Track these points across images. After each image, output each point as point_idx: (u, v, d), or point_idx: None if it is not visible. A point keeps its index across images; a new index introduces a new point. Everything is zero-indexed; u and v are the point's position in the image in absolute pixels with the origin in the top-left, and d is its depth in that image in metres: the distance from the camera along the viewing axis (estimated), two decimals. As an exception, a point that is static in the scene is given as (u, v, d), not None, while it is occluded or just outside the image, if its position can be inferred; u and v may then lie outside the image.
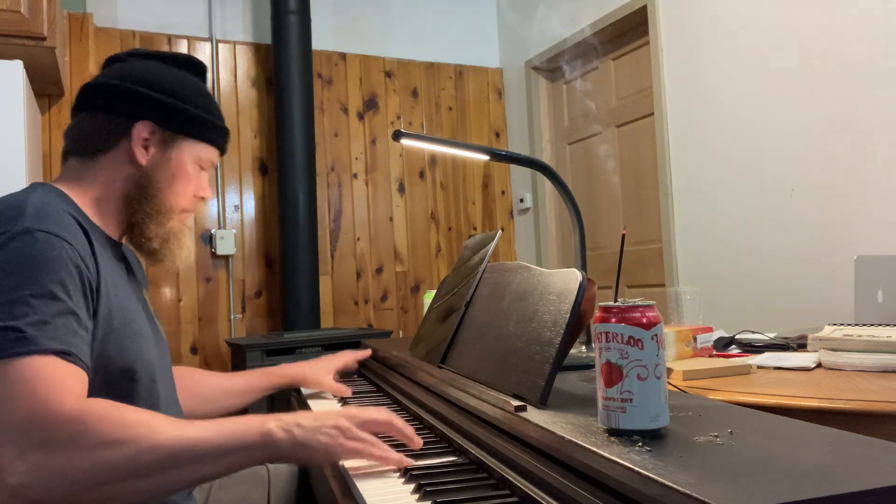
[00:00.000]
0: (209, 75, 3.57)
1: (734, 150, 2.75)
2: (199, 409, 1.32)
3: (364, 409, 0.95)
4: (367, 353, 1.65)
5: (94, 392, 0.89)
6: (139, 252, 1.13)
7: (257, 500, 1.26)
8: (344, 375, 1.72)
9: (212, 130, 1.15)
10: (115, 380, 0.95)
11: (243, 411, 1.07)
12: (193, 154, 1.13)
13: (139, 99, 1.07)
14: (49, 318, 0.84)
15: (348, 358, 1.60)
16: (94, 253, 0.95)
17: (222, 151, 1.20)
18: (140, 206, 1.08)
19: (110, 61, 1.15)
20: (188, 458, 0.82)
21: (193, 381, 1.34)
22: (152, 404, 1.01)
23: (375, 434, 0.93)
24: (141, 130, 1.07)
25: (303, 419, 0.89)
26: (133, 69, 1.10)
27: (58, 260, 0.87)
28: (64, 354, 0.83)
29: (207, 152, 1.15)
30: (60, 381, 0.81)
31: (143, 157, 1.07)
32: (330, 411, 0.94)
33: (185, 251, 1.14)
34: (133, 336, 0.99)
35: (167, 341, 1.19)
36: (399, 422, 0.96)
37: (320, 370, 1.49)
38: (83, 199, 1.05)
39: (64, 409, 0.78)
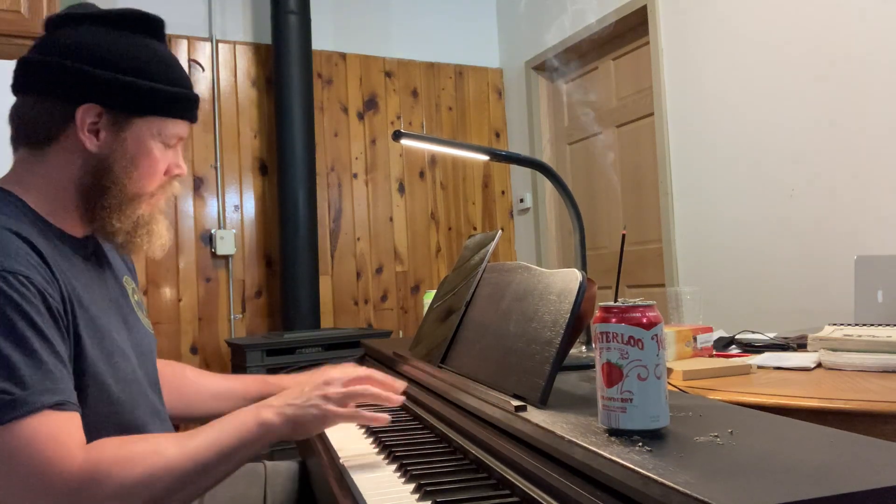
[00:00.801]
0: (208, 74, 3.57)
1: (734, 150, 2.75)
2: (182, 410, 1.24)
3: (343, 371, 0.98)
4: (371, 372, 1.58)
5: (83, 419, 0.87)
6: (110, 245, 1.04)
7: (254, 498, 1.26)
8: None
9: (170, 102, 0.99)
10: (94, 406, 0.90)
11: None
12: (153, 131, 0.98)
13: (78, 78, 0.93)
14: (33, 370, 0.79)
15: (349, 374, 1.51)
16: (54, 274, 0.87)
17: (192, 120, 1.04)
18: (97, 198, 0.96)
19: (47, 26, 0.99)
20: (201, 470, 0.84)
21: (183, 380, 1.28)
22: (136, 424, 0.97)
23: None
24: (85, 114, 0.94)
25: (291, 398, 0.91)
26: (69, 41, 0.95)
27: (22, 300, 0.80)
28: (58, 406, 0.80)
29: (172, 126, 1.00)
30: (62, 436, 0.79)
31: (92, 144, 0.94)
32: (312, 381, 0.96)
33: (159, 240, 1.03)
34: (106, 358, 0.93)
35: (155, 336, 1.13)
36: (378, 374, 0.98)
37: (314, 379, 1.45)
38: (37, 198, 0.95)
39: (74, 466, 0.78)
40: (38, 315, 0.82)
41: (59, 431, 0.79)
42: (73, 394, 0.84)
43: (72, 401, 0.83)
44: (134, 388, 0.98)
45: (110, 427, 0.93)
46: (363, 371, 0.97)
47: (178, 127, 1.02)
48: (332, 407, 0.91)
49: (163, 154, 1.00)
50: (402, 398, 0.96)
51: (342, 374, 0.96)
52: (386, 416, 0.92)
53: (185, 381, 1.28)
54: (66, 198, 0.96)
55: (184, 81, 1.02)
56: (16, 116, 0.97)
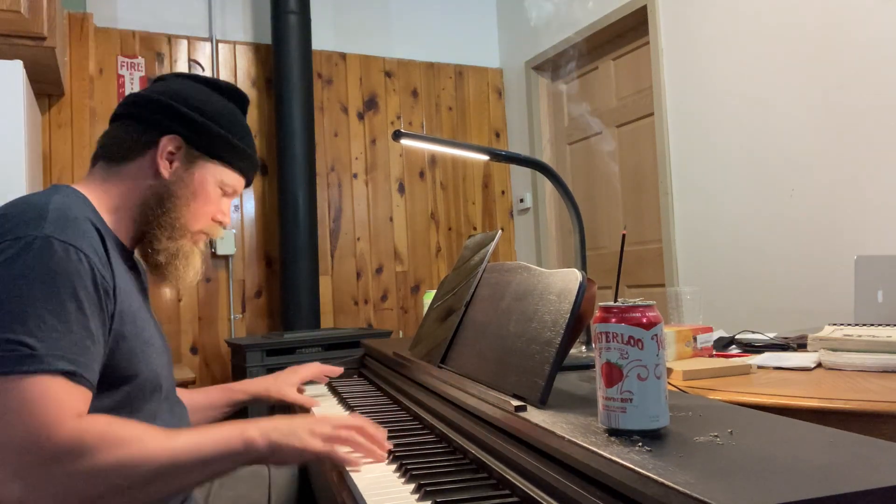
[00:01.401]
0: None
1: (734, 150, 2.76)
2: None
3: (339, 416, 1.01)
4: (337, 370, 1.57)
5: (100, 398, 0.91)
6: (145, 263, 1.13)
7: (258, 500, 1.26)
8: (344, 376, 1.72)
9: (240, 157, 1.15)
10: (121, 386, 0.96)
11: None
12: (217, 177, 1.13)
13: (171, 112, 1.08)
14: (61, 334, 0.84)
15: (315, 371, 1.52)
16: (109, 260, 0.95)
17: (248, 182, 1.20)
18: (155, 217, 1.08)
19: (158, 79, 1.17)
20: (177, 469, 0.86)
21: None
22: (153, 413, 1.02)
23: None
24: (167, 143, 1.08)
25: (280, 424, 0.94)
26: (173, 85, 1.12)
27: (75, 273, 0.88)
28: (70, 375, 0.84)
29: (232, 178, 1.15)
30: (63, 401, 0.82)
31: (165, 170, 1.08)
32: (306, 416, 1.01)
33: (193, 272, 1.13)
34: (143, 346, 0.99)
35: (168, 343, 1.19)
36: (371, 427, 0.98)
37: (283, 383, 1.44)
38: (102, 204, 1.05)
39: (62, 431, 0.80)
40: (83, 290, 0.88)
41: (63, 397, 0.82)
42: (94, 373, 0.88)
43: (87, 377, 0.86)
44: (162, 381, 1.05)
45: (134, 411, 0.97)
46: (358, 420, 0.99)
47: (236, 180, 1.16)
48: (313, 442, 0.93)
49: (217, 199, 1.14)
50: (384, 455, 0.97)
51: (335, 420, 0.98)
52: (359, 462, 0.93)
53: None
54: (127, 209, 1.08)
55: (253, 146, 1.19)
56: (107, 136, 1.11)
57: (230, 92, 1.18)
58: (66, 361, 0.83)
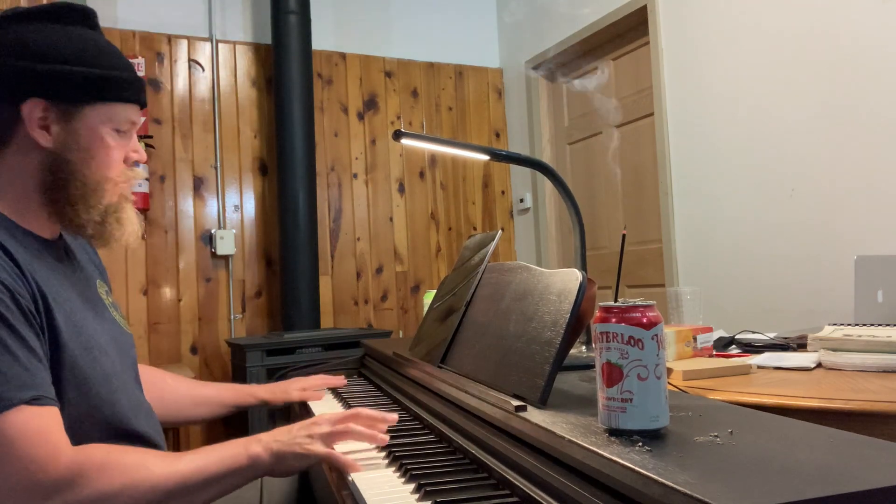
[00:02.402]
0: (208, 74, 3.57)
1: (734, 150, 2.76)
2: (164, 416, 1.22)
3: (335, 412, 1.00)
4: (341, 381, 1.57)
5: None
6: (83, 240, 1.05)
7: (250, 500, 1.26)
8: (344, 375, 1.72)
9: (116, 87, 0.98)
10: (73, 399, 0.91)
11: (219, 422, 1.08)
12: (104, 118, 0.98)
13: (18, 75, 0.92)
14: (6, 366, 0.80)
15: (316, 383, 1.49)
16: (22, 272, 0.88)
17: (142, 105, 1.03)
18: (60, 193, 0.96)
19: None
20: (184, 492, 0.85)
21: (163, 386, 1.28)
22: (118, 416, 0.97)
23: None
24: (31, 111, 0.93)
25: (279, 434, 0.94)
26: (6, 40, 0.94)
27: None
28: (34, 400, 0.80)
29: (122, 111, 1.00)
30: (44, 433, 0.79)
31: (45, 140, 0.95)
32: (303, 421, 0.99)
33: (130, 226, 1.03)
34: (84, 351, 0.93)
35: (133, 336, 1.13)
36: (366, 410, 0.99)
37: (287, 389, 1.44)
38: (2, 202, 0.95)
39: (60, 466, 0.79)
40: (8, 312, 0.82)
41: (42, 428, 0.80)
42: (50, 388, 0.85)
43: (48, 395, 0.83)
44: (115, 383, 0.98)
45: (93, 421, 0.93)
46: (351, 410, 0.99)
47: (127, 111, 1.01)
48: (313, 446, 0.93)
49: (117, 141, 1.00)
50: (387, 438, 0.97)
51: (331, 415, 0.98)
52: (358, 466, 0.93)
53: (165, 386, 1.30)
54: (29, 199, 0.96)
55: (125, 65, 1.01)
56: None
57: (67, 13, 0.98)
58: (24, 389, 0.80)
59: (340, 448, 0.97)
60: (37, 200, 0.97)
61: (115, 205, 1.01)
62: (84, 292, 1.03)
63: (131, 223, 1.03)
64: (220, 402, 1.34)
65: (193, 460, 0.87)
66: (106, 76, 0.97)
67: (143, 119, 1.08)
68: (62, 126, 0.95)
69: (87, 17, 1.01)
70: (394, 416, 1.02)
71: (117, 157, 1.00)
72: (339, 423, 0.97)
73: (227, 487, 0.90)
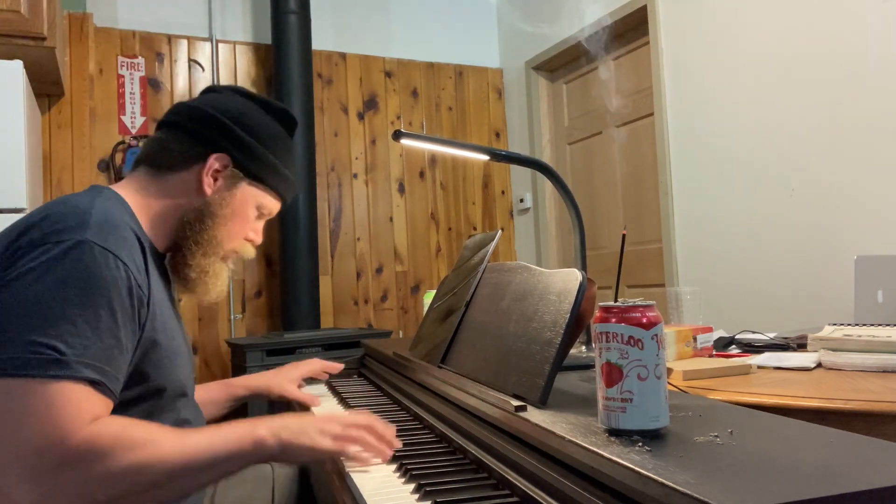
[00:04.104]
0: (208, 74, 3.57)
1: (734, 149, 2.76)
2: None
3: (347, 415, 1.01)
4: (338, 366, 1.58)
5: (125, 406, 0.91)
6: (175, 275, 1.13)
7: (262, 500, 1.26)
8: (343, 375, 1.72)
9: (282, 182, 1.16)
10: (148, 395, 0.96)
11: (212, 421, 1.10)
12: (257, 199, 1.14)
13: (224, 130, 1.09)
14: (91, 342, 0.84)
15: (315, 366, 1.55)
16: (147, 269, 0.96)
17: (285, 204, 1.21)
18: (192, 232, 1.08)
19: (209, 91, 1.18)
20: (190, 469, 0.86)
21: None
22: (180, 420, 1.03)
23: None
24: (215, 161, 1.09)
25: (290, 423, 0.95)
26: (226, 102, 1.12)
27: (112, 281, 0.88)
28: (95, 384, 0.84)
29: (271, 202, 1.17)
30: (83, 408, 0.82)
31: (209, 187, 1.09)
32: (317, 415, 1.00)
33: (220, 289, 1.14)
34: (172, 355, 1.00)
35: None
36: (380, 425, 0.98)
37: (283, 379, 1.45)
38: (142, 210, 1.06)
39: (76, 436, 0.80)
40: (118, 299, 0.88)
41: (83, 405, 0.82)
42: (118, 383, 0.89)
43: (111, 387, 0.87)
44: (188, 390, 1.06)
45: (156, 419, 0.97)
46: (367, 419, 0.99)
47: (274, 204, 1.18)
48: (323, 442, 0.93)
49: (253, 220, 1.16)
50: (390, 454, 0.98)
51: (343, 416, 0.99)
52: (369, 461, 0.94)
53: None
54: (165, 219, 1.08)
55: (295, 172, 1.20)
56: (154, 142, 1.11)
57: (281, 114, 1.18)
58: (92, 370, 0.84)
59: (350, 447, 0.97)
60: (169, 224, 1.09)
61: (219, 267, 1.13)
62: (172, 306, 1.11)
63: (223, 285, 1.15)
64: (210, 400, 1.35)
65: (201, 440, 0.88)
66: (281, 171, 1.15)
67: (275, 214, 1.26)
68: (227, 185, 1.11)
69: (292, 125, 1.21)
70: (399, 443, 1.01)
71: (245, 231, 1.15)
72: (352, 428, 0.96)
73: (231, 469, 0.91)
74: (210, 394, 1.36)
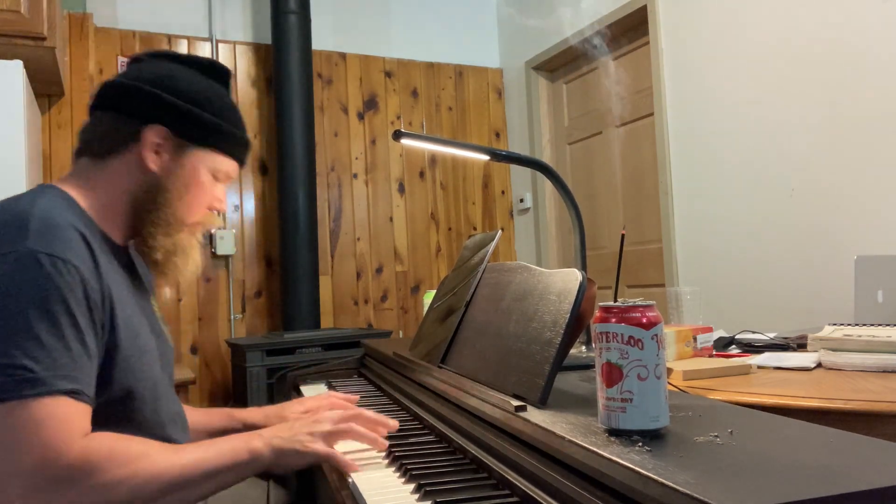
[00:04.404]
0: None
1: (734, 150, 2.75)
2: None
3: (336, 411, 1.00)
4: (353, 398, 1.52)
5: (97, 412, 0.89)
6: (144, 262, 1.09)
7: (257, 500, 1.26)
8: (343, 375, 1.72)
9: (231, 141, 1.09)
10: (118, 399, 0.93)
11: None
12: (209, 164, 1.07)
13: (153, 101, 1.02)
14: (59, 353, 0.82)
15: (323, 403, 1.34)
16: (98, 269, 0.91)
17: (241, 164, 1.14)
18: (148, 214, 1.03)
19: (133, 61, 1.10)
20: (185, 483, 0.86)
21: None
22: (156, 422, 0.99)
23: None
24: (152, 135, 1.02)
25: (281, 431, 0.95)
26: (151, 70, 1.05)
27: (65, 287, 0.85)
28: (73, 393, 0.83)
29: (225, 164, 1.09)
30: (69, 422, 0.81)
31: (153, 163, 1.02)
32: (305, 418, 1.00)
33: (192, 265, 1.09)
34: (138, 354, 0.96)
35: (174, 349, 1.17)
36: (368, 413, 0.99)
37: (285, 412, 1.33)
38: (90, 203, 1.01)
39: (71, 453, 0.80)
40: (76, 303, 0.85)
41: (69, 417, 0.81)
42: (92, 387, 0.87)
43: (88, 392, 0.85)
44: (159, 390, 1.02)
45: (133, 423, 0.95)
46: (352, 411, 1.00)
47: (229, 165, 1.10)
48: (314, 445, 0.93)
49: (211, 187, 1.09)
50: (386, 443, 0.98)
51: (332, 413, 0.99)
52: (356, 466, 0.93)
53: None
54: (116, 206, 1.03)
55: (243, 126, 1.12)
56: (87, 131, 1.05)
57: (211, 69, 1.10)
58: (67, 380, 0.82)
59: (340, 447, 0.97)
60: (122, 210, 1.03)
61: (186, 242, 1.07)
62: (140, 301, 1.07)
63: (195, 262, 1.10)
64: (207, 429, 1.28)
65: (195, 453, 0.88)
66: (223, 128, 1.07)
67: (234, 177, 1.18)
68: (172, 157, 1.04)
69: (225, 77, 1.13)
70: (395, 423, 1.03)
71: (205, 200, 1.09)
72: (341, 421, 0.97)
73: (227, 481, 0.91)
74: (210, 421, 1.28)
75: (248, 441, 0.92)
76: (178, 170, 1.04)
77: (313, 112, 3.54)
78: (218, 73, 1.11)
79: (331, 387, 1.64)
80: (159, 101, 1.02)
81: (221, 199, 1.12)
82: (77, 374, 0.84)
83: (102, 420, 0.88)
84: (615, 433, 0.70)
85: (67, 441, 0.80)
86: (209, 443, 0.91)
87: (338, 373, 1.80)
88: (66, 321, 0.84)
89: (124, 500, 0.82)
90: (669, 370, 1.33)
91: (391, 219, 3.99)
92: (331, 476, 0.96)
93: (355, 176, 3.92)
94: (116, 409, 0.93)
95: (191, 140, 1.04)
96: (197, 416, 1.29)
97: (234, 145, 1.10)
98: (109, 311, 0.92)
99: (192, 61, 1.09)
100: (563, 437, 0.71)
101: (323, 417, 0.98)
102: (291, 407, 1.31)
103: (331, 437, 0.95)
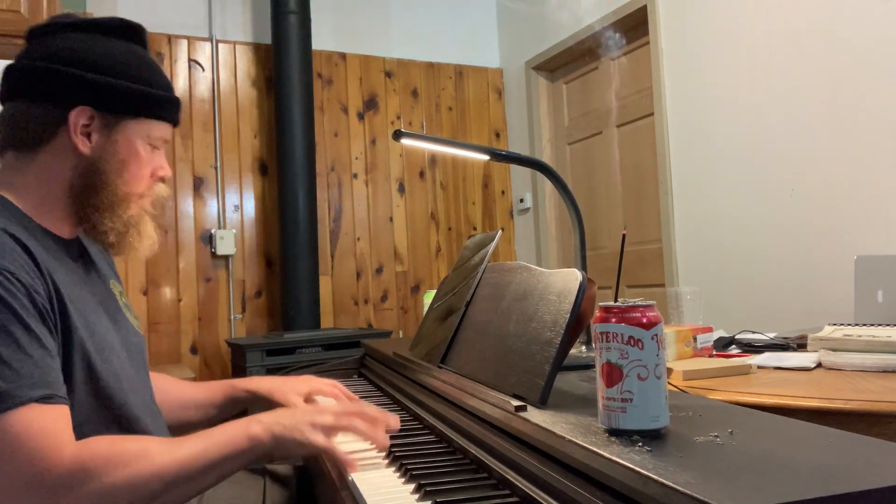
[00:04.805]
0: (208, 74, 3.57)
1: (734, 150, 2.76)
2: None
3: (341, 405, 1.00)
4: (353, 396, 1.49)
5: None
6: (97, 245, 1.05)
7: (253, 500, 1.26)
8: (343, 375, 1.72)
9: (158, 104, 1.03)
10: (83, 400, 0.91)
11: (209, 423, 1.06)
12: (142, 133, 1.01)
13: (71, 82, 0.95)
14: (21, 363, 0.80)
15: (332, 390, 1.36)
16: (41, 272, 0.88)
17: (175, 124, 1.08)
18: (88, 199, 0.98)
19: (31, 36, 1.01)
20: (186, 477, 0.85)
21: (154, 389, 1.25)
22: (128, 417, 0.97)
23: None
24: (78, 117, 0.96)
25: (282, 418, 0.93)
26: (60, 47, 0.97)
27: (11, 297, 0.82)
28: (44, 399, 0.81)
29: (158, 129, 1.04)
30: (50, 429, 0.80)
31: (84, 146, 0.97)
32: (307, 407, 0.97)
33: (148, 240, 1.05)
34: (95, 351, 0.93)
35: (153, 336, 1.15)
36: (372, 410, 0.98)
37: (290, 390, 1.34)
38: (25, 200, 0.96)
39: (64, 459, 0.79)
40: (23, 310, 0.83)
41: (49, 425, 0.80)
42: (62, 386, 0.85)
43: (59, 394, 0.83)
44: (125, 384, 0.99)
45: (102, 420, 0.93)
46: (358, 405, 0.98)
47: (163, 129, 1.05)
48: (314, 437, 0.92)
49: (149, 156, 1.04)
50: (388, 442, 0.97)
51: (336, 406, 0.98)
52: (356, 465, 0.92)
53: (157, 391, 1.25)
54: (54, 199, 0.98)
55: (168, 85, 1.06)
56: (4, 122, 0.98)
57: (121, 30, 1.03)
58: (37, 388, 0.80)
59: (342, 444, 0.97)
60: (62, 201, 0.99)
61: (137, 217, 1.04)
62: (98, 293, 1.04)
63: (149, 237, 1.06)
64: (211, 403, 1.28)
65: (194, 446, 0.87)
66: (150, 93, 1.01)
67: (170, 139, 1.11)
68: (103, 135, 0.98)
69: (136, 34, 1.05)
70: (396, 422, 1.01)
71: (147, 171, 1.04)
72: (343, 416, 0.96)
73: (229, 469, 0.90)
74: (212, 394, 1.30)
75: (248, 427, 0.90)
76: (112, 147, 0.99)
77: (313, 112, 3.54)
78: (127, 32, 1.04)
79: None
80: (79, 80, 0.96)
81: (163, 166, 1.07)
82: (43, 379, 0.82)
83: (74, 423, 0.86)
84: (615, 433, 0.70)
85: (56, 448, 0.79)
86: (207, 433, 0.90)
87: (338, 373, 1.80)
88: (20, 331, 0.81)
89: (127, 501, 0.81)
90: (669, 370, 1.33)
91: (391, 219, 3.99)
92: (330, 476, 0.95)
93: (355, 176, 3.92)
94: (83, 410, 0.91)
95: (119, 113, 0.99)
96: (198, 392, 1.29)
97: (164, 108, 1.04)
98: (60, 312, 0.89)
99: (98, 25, 1.02)
100: (563, 437, 0.71)
101: (326, 409, 0.96)
102: (297, 386, 1.31)
103: (332, 430, 0.94)
